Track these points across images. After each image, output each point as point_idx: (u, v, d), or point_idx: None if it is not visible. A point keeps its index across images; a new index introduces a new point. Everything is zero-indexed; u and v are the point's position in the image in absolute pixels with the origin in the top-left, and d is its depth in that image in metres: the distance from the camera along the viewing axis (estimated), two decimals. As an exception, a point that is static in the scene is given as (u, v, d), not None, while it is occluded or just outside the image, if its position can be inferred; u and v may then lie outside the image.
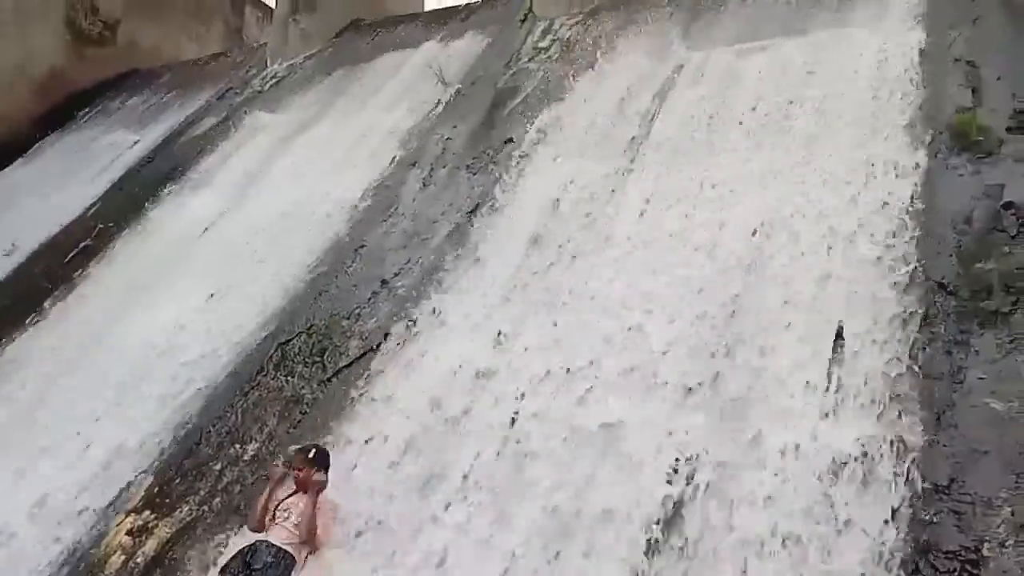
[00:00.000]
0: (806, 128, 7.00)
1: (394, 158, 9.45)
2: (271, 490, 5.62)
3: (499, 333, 6.43)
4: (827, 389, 4.97)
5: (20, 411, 8.37)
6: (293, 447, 6.10)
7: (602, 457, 5.17)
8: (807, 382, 5.05)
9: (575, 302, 6.42)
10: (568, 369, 5.84)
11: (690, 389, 5.33)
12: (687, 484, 4.82)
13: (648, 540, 4.63)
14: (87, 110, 15.80)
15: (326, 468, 5.62)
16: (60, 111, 15.69)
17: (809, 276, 5.69)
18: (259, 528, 5.49)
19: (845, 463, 4.58)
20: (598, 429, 5.34)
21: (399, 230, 8.31)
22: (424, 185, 8.72)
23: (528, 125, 8.66)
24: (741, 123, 7.35)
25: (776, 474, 4.68)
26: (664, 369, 5.54)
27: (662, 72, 8.48)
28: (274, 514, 5.48)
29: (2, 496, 7.31)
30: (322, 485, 5.50)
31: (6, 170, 14.55)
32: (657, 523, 4.69)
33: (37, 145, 15.05)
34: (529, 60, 9.86)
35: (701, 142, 7.37)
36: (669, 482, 4.85)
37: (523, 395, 5.83)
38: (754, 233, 6.22)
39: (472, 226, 7.77)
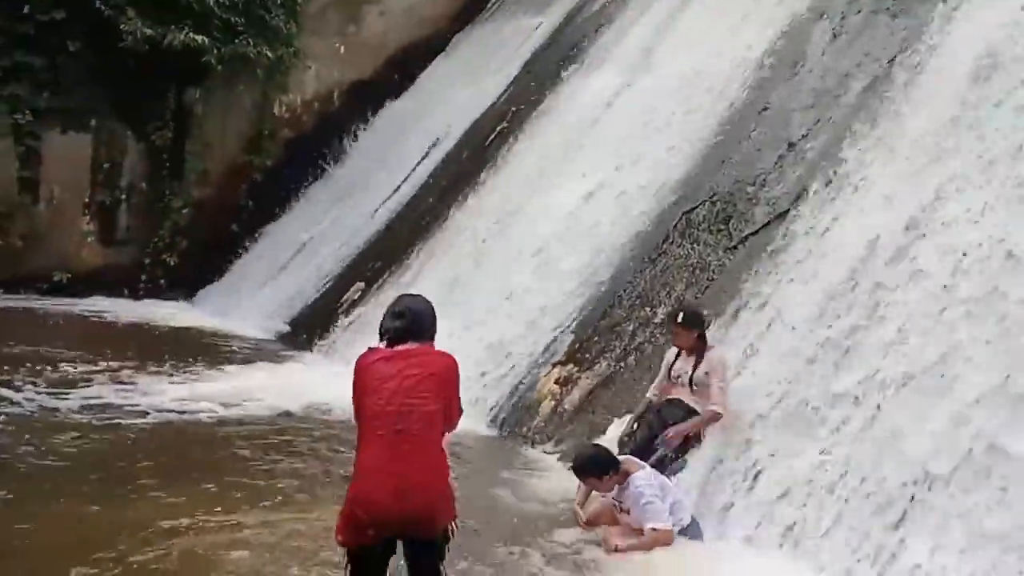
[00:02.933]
0: None
1: (797, 9, 8.77)
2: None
3: (921, 204, 5.70)
4: None
5: (465, 270, 9.66)
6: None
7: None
8: None
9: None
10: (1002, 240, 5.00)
11: None
12: None
13: None
14: (493, 1, 16.96)
15: (699, 326, 5.65)
16: (472, 5, 17.07)
17: None
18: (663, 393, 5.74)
19: None
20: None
21: (806, 88, 7.79)
22: (835, 36, 8.00)
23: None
24: None
25: None
26: None
27: None
28: (670, 378, 5.69)
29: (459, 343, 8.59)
30: (695, 343, 5.55)
31: (431, 65, 16.34)
32: None
33: (455, 39, 16.62)
34: None
35: None
36: None
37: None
38: None
39: (892, 80, 6.97)
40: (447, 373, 3.18)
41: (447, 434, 3.21)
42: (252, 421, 7.20)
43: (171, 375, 8.72)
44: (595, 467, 4.88)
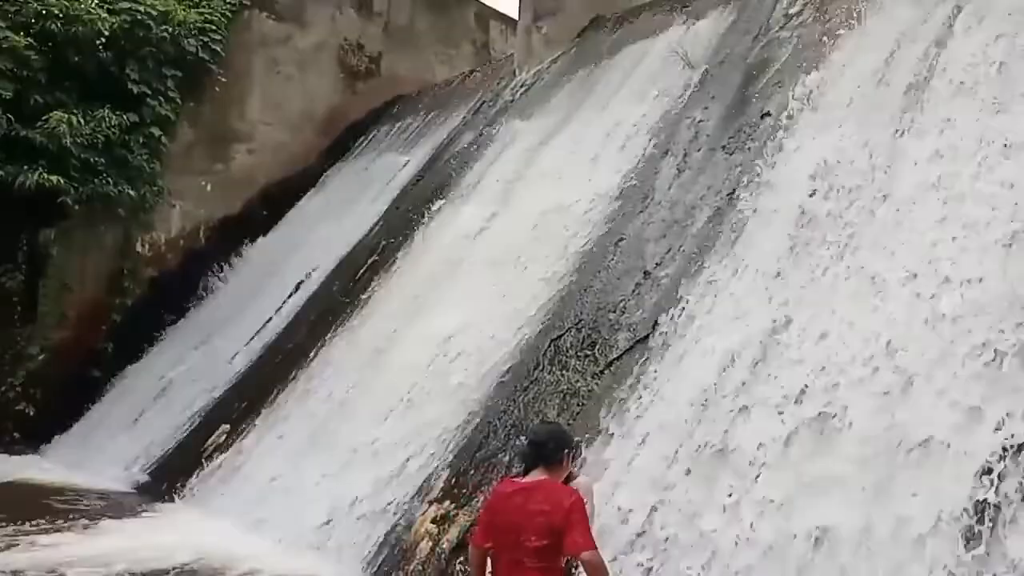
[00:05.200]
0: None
1: (645, 148, 9.45)
2: None
3: (773, 321, 6.18)
4: None
5: (333, 409, 9.45)
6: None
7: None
8: None
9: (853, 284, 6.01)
10: (853, 359, 5.44)
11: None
12: None
13: None
14: (362, 139, 17.44)
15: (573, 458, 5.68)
16: (340, 143, 17.48)
17: None
18: None
19: None
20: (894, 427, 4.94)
21: (657, 219, 8.30)
22: (679, 171, 8.63)
23: (786, 95, 8.24)
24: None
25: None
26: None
27: (936, 18, 7.69)
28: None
29: (322, 491, 8.31)
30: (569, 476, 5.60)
31: (301, 201, 16.46)
32: None
33: (324, 176, 16.87)
34: (780, 28, 9.40)
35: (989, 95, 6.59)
36: None
37: (804, 389, 5.52)
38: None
39: (734, 208, 7.57)
40: (558, 512, 3.56)
41: (585, 553, 3.53)
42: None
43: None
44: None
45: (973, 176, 5.93)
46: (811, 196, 6.97)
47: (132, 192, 14.37)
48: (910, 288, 5.60)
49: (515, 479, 3.83)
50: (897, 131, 6.89)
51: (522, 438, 7.18)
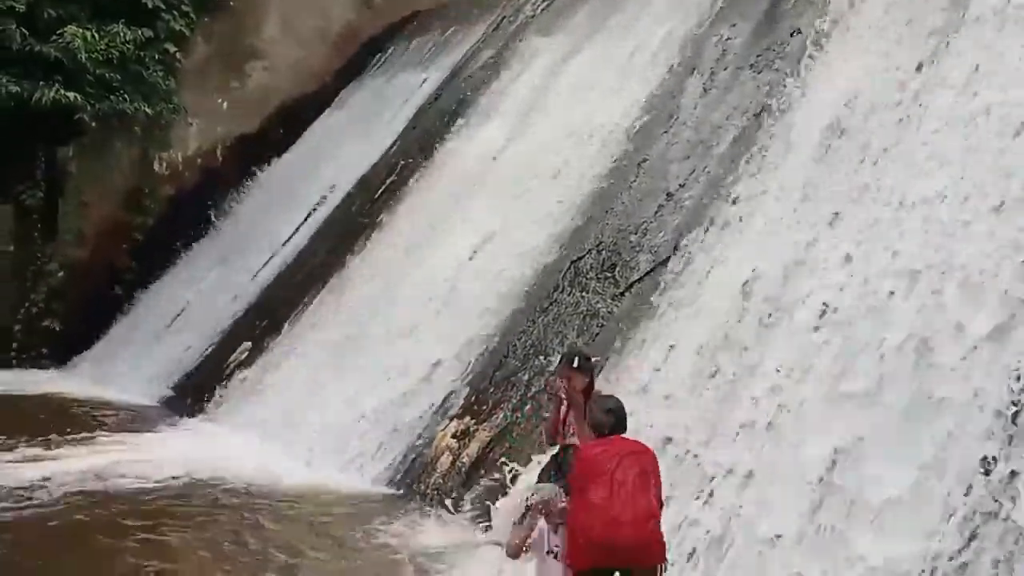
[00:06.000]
0: None
1: (671, 66, 9.21)
2: (556, 406, 5.85)
3: (798, 243, 6.08)
4: None
5: (354, 328, 9.54)
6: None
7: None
8: None
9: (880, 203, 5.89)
10: (866, 278, 5.37)
11: None
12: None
13: None
14: (379, 56, 17.09)
15: (590, 370, 5.75)
16: (357, 61, 17.15)
17: None
18: (554, 442, 5.78)
19: None
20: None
21: (682, 140, 8.16)
22: (705, 91, 8.43)
23: (818, 12, 7.96)
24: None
25: None
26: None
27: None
28: (563, 432, 5.74)
29: (344, 407, 8.45)
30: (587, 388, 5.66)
31: (318, 120, 16.26)
32: None
33: (341, 94, 16.61)
34: (813, -58, 9.02)
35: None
36: None
37: (825, 305, 5.47)
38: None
39: (760, 128, 7.41)
40: (654, 466, 3.87)
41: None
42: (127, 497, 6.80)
43: (32, 449, 8.14)
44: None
45: (1005, 97, 5.73)
46: (840, 117, 6.78)
47: (148, 109, 14.25)
48: (939, 207, 5.48)
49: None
50: (930, 51, 6.66)
51: (540, 358, 7.26)
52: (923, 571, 3.87)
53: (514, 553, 4.83)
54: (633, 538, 3.70)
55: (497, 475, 6.44)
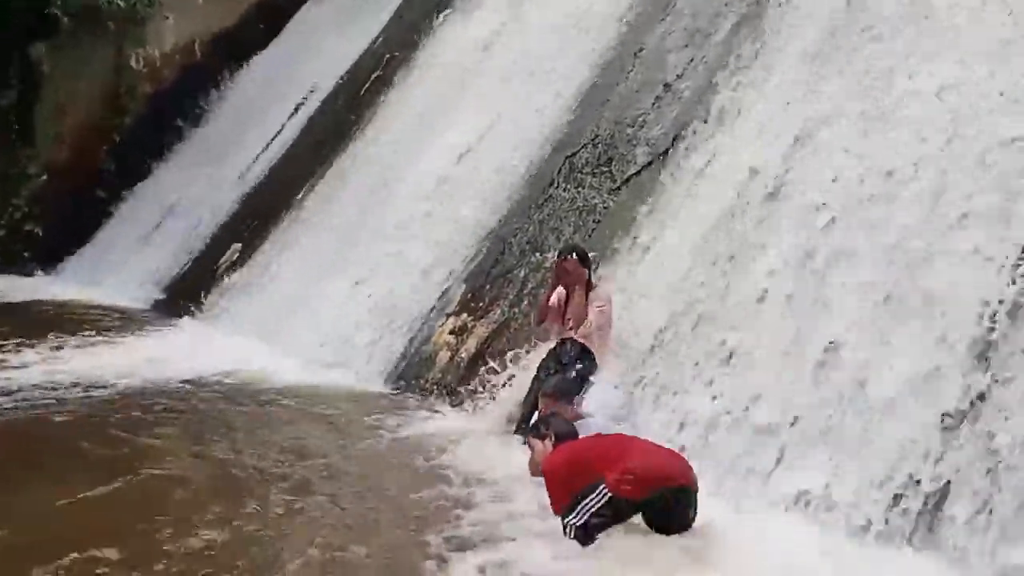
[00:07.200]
0: None
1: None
2: (551, 288, 5.92)
3: (798, 137, 5.95)
4: None
5: (347, 225, 9.44)
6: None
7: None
8: None
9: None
10: (879, 172, 5.26)
11: None
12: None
13: None
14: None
15: (588, 264, 5.86)
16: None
17: None
18: (541, 322, 5.92)
19: None
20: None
21: (679, 28, 7.90)
22: (703, -24, 8.11)
23: None
24: None
25: None
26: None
27: None
28: (564, 318, 5.82)
29: (340, 305, 8.45)
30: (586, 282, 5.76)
31: (299, 13, 15.69)
32: None
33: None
34: None
35: None
36: None
37: (822, 205, 5.40)
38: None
39: (761, 16, 7.17)
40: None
41: None
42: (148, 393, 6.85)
43: (29, 351, 8.16)
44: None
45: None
46: (845, 5, 6.56)
47: (121, 2, 13.67)
48: (944, 99, 5.37)
49: None
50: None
51: (537, 255, 7.25)
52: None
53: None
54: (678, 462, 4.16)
55: (497, 368, 6.51)
